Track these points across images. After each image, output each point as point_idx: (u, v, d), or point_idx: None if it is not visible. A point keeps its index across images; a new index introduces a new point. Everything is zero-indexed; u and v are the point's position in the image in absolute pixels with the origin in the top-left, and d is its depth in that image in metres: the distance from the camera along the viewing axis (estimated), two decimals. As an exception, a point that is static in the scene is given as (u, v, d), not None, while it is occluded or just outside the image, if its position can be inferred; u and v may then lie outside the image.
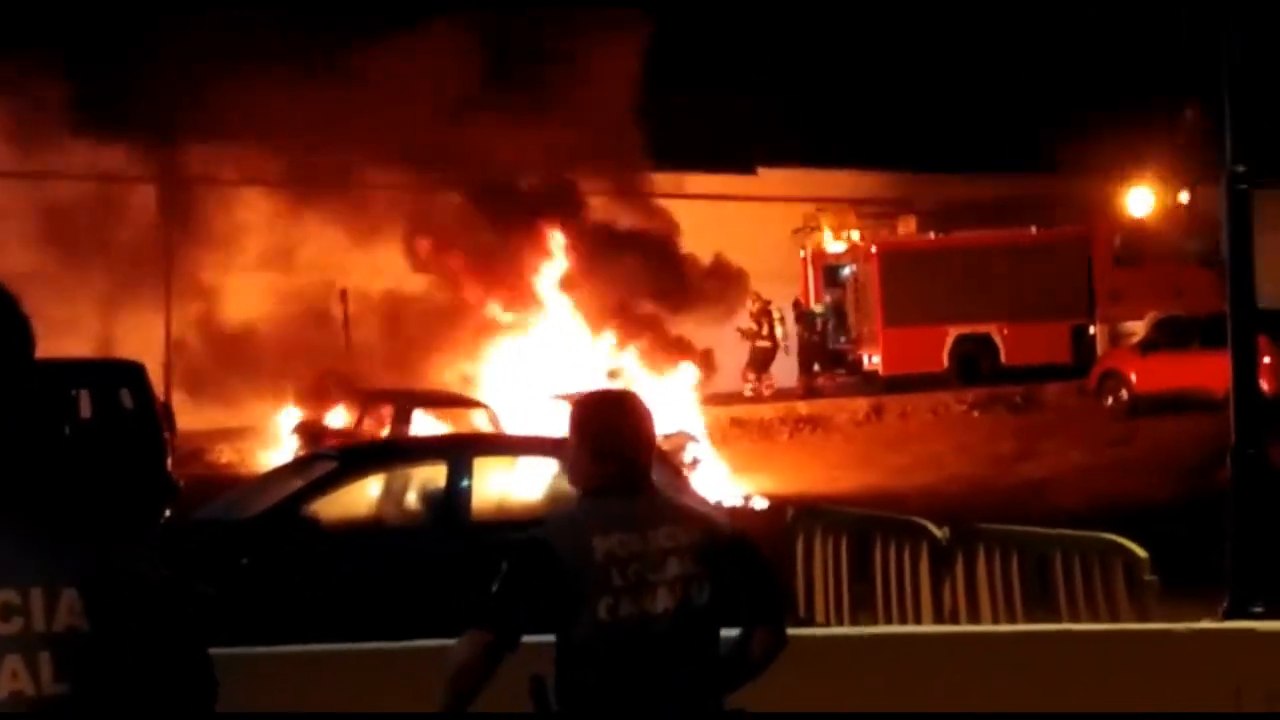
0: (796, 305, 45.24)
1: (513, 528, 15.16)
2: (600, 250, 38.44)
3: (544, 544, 5.32)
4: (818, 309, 45.33)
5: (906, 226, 44.79)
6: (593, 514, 5.45)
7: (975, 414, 40.40)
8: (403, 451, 18.75)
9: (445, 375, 36.91)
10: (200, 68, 34.92)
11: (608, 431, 5.49)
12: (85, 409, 23.59)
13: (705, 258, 40.11)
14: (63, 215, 36.87)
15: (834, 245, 45.37)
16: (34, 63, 36.74)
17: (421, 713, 5.63)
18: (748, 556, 5.54)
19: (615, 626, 5.21)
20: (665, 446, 22.26)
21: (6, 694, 2.44)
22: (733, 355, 41.88)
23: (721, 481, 29.62)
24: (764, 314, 43.55)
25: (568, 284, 38.75)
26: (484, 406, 31.20)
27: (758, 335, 43.45)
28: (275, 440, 35.24)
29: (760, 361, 43.45)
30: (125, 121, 36.72)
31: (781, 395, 42.85)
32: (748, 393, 42.82)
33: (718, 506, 22.02)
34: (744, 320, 43.19)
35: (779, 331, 43.83)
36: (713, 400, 39.10)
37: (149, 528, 17.28)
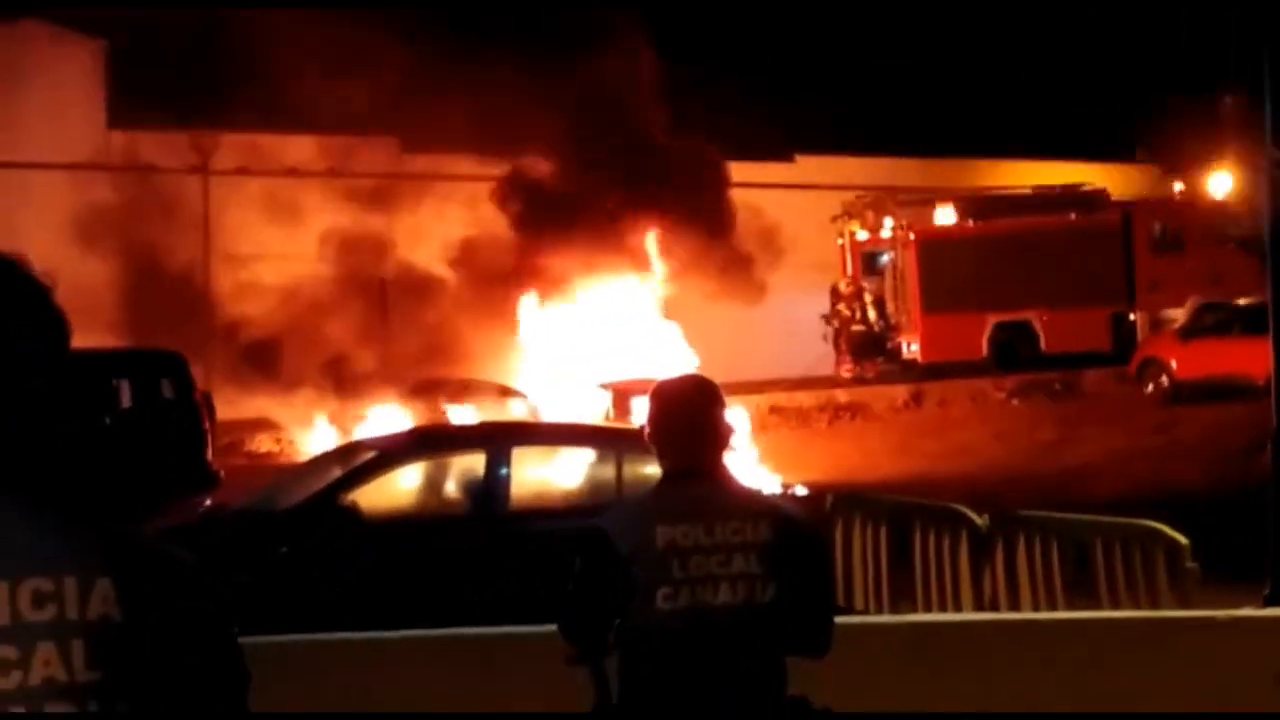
0: (834, 291, 45.15)
1: (551, 517, 15.29)
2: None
3: (600, 533, 5.30)
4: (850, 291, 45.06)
5: (945, 213, 44.63)
6: (660, 502, 5.41)
7: (1015, 401, 40.32)
8: (441, 441, 18.75)
9: (486, 365, 36.96)
10: (245, 57, 35.03)
11: (674, 418, 5.44)
12: (126, 399, 23.69)
13: (746, 244, 40.15)
14: (103, 205, 37.04)
15: (872, 233, 45.22)
16: (75, 50, 36.96)
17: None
18: (814, 562, 5.48)
19: (673, 617, 5.17)
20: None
21: (39, 680, 2.44)
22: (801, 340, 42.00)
23: (760, 469, 29.62)
24: (856, 297, 43.75)
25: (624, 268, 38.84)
26: (523, 395, 31.23)
27: (851, 320, 43.62)
28: (314, 430, 35.35)
29: (859, 345, 43.63)
30: (167, 111, 36.88)
31: (820, 383, 42.84)
32: (846, 374, 43.10)
33: (790, 497, 21.95)
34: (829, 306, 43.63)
35: (871, 314, 43.97)
36: (797, 385, 39.37)
37: (186, 516, 17.31)
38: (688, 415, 5.44)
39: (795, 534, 5.34)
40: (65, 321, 2.67)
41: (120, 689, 2.47)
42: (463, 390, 31.70)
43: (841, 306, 44.39)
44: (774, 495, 5.82)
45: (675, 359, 36.39)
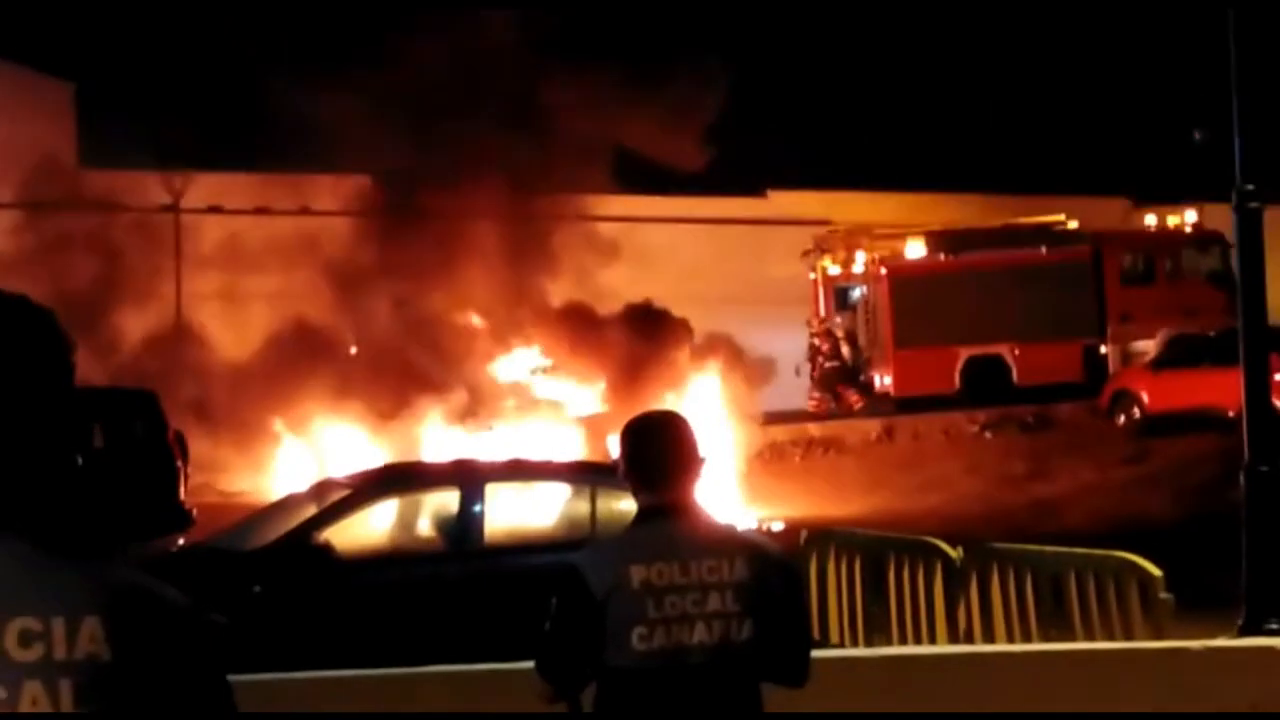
0: (809, 325, 45.20)
1: (526, 553, 15.28)
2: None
3: (575, 573, 5.26)
4: (834, 328, 45.11)
5: (916, 247, 44.70)
6: (635, 541, 5.39)
7: (987, 434, 40.35)
8: (415, 477, 18.73)
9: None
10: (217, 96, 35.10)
11: (646, 455, 5.42)
12: (98, 439, 23.60)
13: (716, 280, 40.16)
14: (75, 244, 36.98)
15: (843, 267, 45.26)
16: (48, 92, 36.98)
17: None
18: (791, 597, 5.45)
19: (649, 656, 5.15)
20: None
21: None
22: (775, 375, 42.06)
23: (735, 505, 29.62)
24: (827, 334, 43.85)
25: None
26: (495, 431, 31.20)
27: (827, 356, 43.72)
28: (289, 468, 35.26)
29: (831, 381, 43.74)
30: (137, 151, 36.89)
31: (794, 417, 42.86)
32: (811, 408, 43.19)
33: (766, 532, 21.95)
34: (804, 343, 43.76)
35: (843, 350, 44.08)
36: (778, 419, 39.43)
37: (160, 555, 17.26)
38: (660, 450, 5.40)
39: (771, 571, 5.31)
40: (69, 359, 2.67)
41: None
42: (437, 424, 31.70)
43: (816, 341, 44.46)
44: (749, 531, 5.79)
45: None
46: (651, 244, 41.79)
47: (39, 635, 2.46)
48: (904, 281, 43.53)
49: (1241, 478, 15.55)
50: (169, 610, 2.59)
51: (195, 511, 23.60)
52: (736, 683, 5.24)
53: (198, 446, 28.82)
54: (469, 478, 16.63)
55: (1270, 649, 10.38)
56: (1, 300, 2.66)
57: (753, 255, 43.86)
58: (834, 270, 45.43)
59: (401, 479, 18.42)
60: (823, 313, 45.32)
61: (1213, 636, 10.70)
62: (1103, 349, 43.48)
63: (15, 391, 2.59)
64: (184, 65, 36.99)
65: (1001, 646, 13.05)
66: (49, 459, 2.62)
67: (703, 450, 5.54)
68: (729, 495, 29.86)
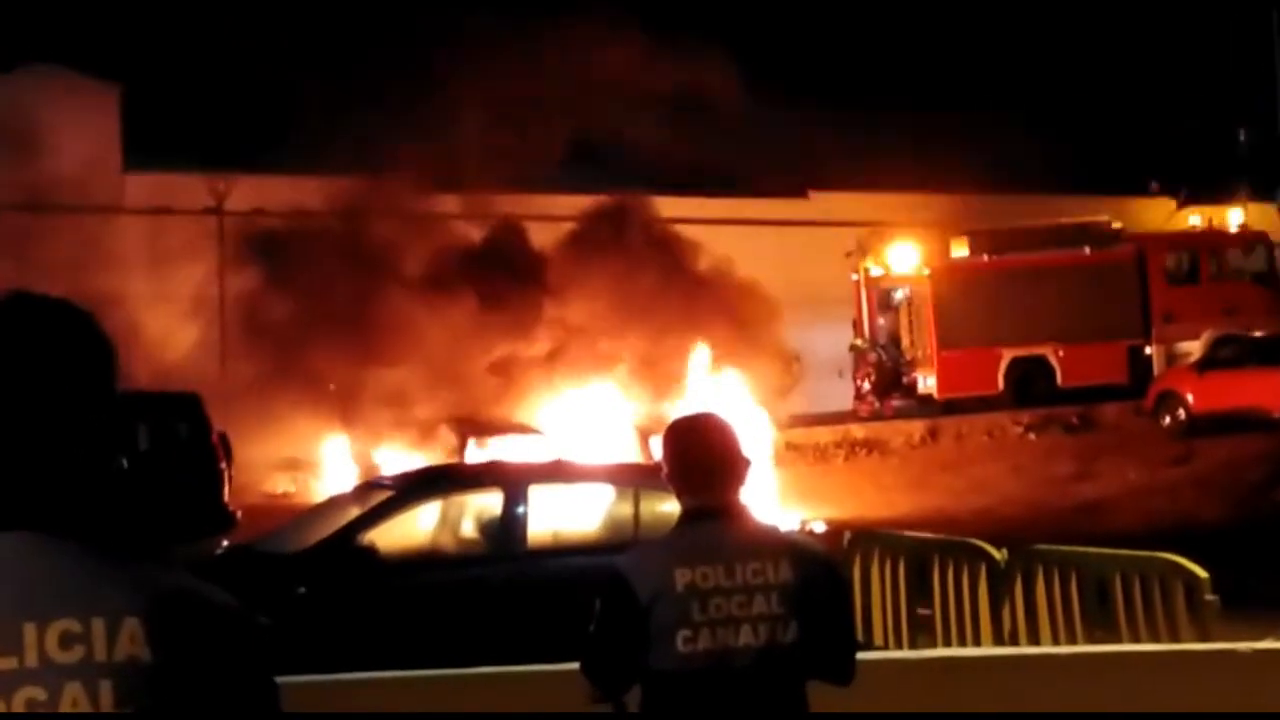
0: (856, 326, 45.24)
1: (569, 555, 15.28)
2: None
3: (619, 576, 5.25)
4: (861, 342, 45.17)
5: (959, 248, 44.60)
6: (678, 543, 5.37)
7: (1031, 435, 40.25)
8: (459, 479, 18.73)
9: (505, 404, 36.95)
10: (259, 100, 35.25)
11: (691, 456, 5.40)
12: (143, 441, 23.71)
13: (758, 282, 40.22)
14: (118, 244, 37.13)
15: (886, 268, 45.17)
16: (95, 94, 37.12)
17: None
18: (836, 597, 5.45)
19: (693, 659, 5.13)
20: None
21: None
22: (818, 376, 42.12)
23: (777, 505, 29.59)
24: (872, 337, 44.03)
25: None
26: (540, 433, 31.23)
27: (871, 359, 43.89)
28: (333, 470, 35.36)
29: (881, 383, 43.93)
30: (182, 154, 37.05)
31: (837, 418, 42.86)
32: (863, 413, 43.36)
33: (809, 533, 21.91)
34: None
35: (883, 354, 44.19)
36: (814, 421, 39.49)
37: (204, 557, 17.31)
38: (704, 452, 5.39)
39: (816, 572, 5.29)
40: (113, 360, 2.68)
41: None
42: (483, 429, 31.72)
43: (859, 342, 44.47)
44: (793, 532, 5.77)
45: (698, 397, 36.38)
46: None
47: (79, 637, 2.45)
48: (947, 282, 43.45)
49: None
50: (214, 612, 2.58)
51: (239, 513, 23.69)
52: (782, 685, 5.22)
53: (241, 448, 28.91)
54: (512, 480, 16.63)
55: (1318, 651, 10.31)
56: (43, 304, 2.66)
57: (795, 257, 43.79)
58: (877, 271, 45.36)
59: (444, 481, 18.43)
60: (866, 320, 45.24)
61: (1260, 638, 10.63)
62: (1147, 350, 43.35)
63: (57, 393, 2.59)
64: (229, 68, 37.13)
65: (1046, 648, 13.00)
66: (91, 461, 2.62)
67: (747, 453, 5.52)
68: (770, 496, 29.87)
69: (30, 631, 2.45)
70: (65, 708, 2.43)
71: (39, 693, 2.43)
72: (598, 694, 5.34)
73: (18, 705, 2.42)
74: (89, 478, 2.61)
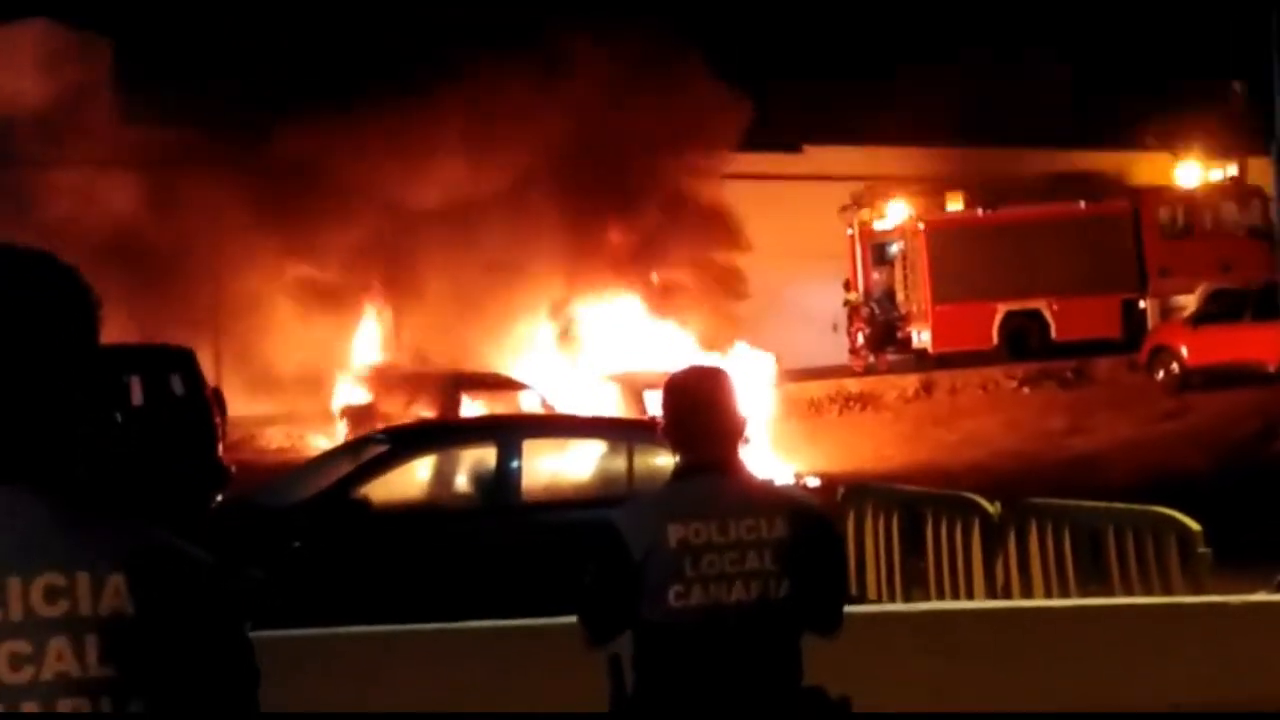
0: (847, 285, 45.24)
1: (563, 509, 15.30)
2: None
3: (612, 528, 5.25)
4: (855, 297, 45.24)
5: (954, 203, 44.56)
6: (673, 498, 5.38)
7: (1025, 390, 40.27)
8: (452, 433, 18.76)
9: (496, 357, 36.95)
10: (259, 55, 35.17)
11: (688, 411, 5.38)
12: (137, 395, 23.70)
13: (752, 236, 40.23)
14: (112, 202, 37.01)
15: (881, 222, 45.15)
16: (87, 47, 37.00)
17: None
18: (830, 553, 5.46)
19: (685, 614, 5.14)
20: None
21: (52, 675, 2.43)
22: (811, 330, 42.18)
23: (772, 459, 29.62)
24: (866, 292, 44.13)
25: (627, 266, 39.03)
26: (533, 388, 31.24)
27: (866, 322, 44.02)
28: (326, 424, 35.36)
29: (875, 337, 44.08)
30: (180, 109, 36.91)
31: (831, 373, 42.88)
32: (857, 368, 43.54)
33: (803, 488, 21.95)
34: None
35: (876, 308, 44.30)
36: (808, 375, 39.55)
37: (197, 512, 17.34)
38: (702, 407, 5.37)
39: (811, 528, 5.29)
40: (96, 313, 2.67)
41: (133, 685, 2.46)
42: (473, 383, 31.71)
43: (854, 297, 44.54)
44: (788, 487, 5.77)
45: (684, 350, 36.40)
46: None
47: (64, 591, 2.45)
48: (942, 236, 43.43)
49: (1281, 432, 15.50)
50: (192, 569, 2.58)
51: (233, 468, 23.68)
52: (774, 640, 5.24)
53: (238, 404, 28.93)
54: (506, 434, 16.65)
55: (1310, 604, 10.34)
56: (23, 255, 2.64)
57: (789, 211, 43.70)
58: (872, 226, 45.33)
59: (439, 435, 18.46)
60: (860, 274, 45.25)
61: (1252, 591, 10.67)
62: (1142, 304, 43.35)
63: (38, 346, 2.58)
64: (224, 21, 37.01)
65: (1040, 601, 13.04)
66: (73, 415, 2.61)
67: (745, 409, 5.51)
68: (764, 450, 29.90)
69: (14, 585, 2.45)
70: (50, 661, 2.43)
71: (23, 646, 2.43)
72: (591, 640, 5.36)
73: (2, 658, 2.42)
74: (71, 432, 2.61)
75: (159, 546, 2.57)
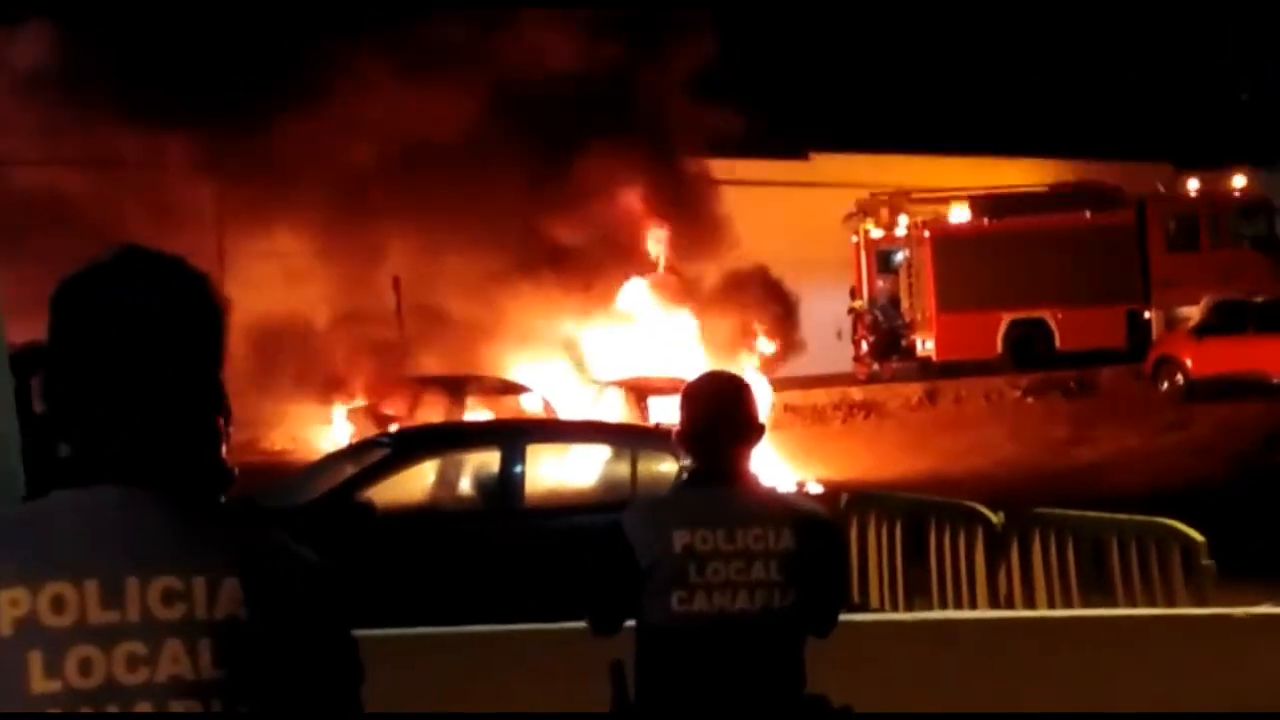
0: (853, 293, 45.27)
1: (566, 514, 15.29)
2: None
3: (617, 530, 5.27)
4: (858, 304, 45.26)
5: (959, 211, 44.56)
6: (680, 504, 5.39)
7: (1029, 399, 40.27)
8: (456, 437, 18.77)
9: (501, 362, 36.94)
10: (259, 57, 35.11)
11: (702, 418, 5.38)
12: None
13: (757, 243, 40.20)
14: (114, 205, 36.98)
15: (886, 231, 45.14)
16: (85, 51, 36.93)
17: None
18: (834, 562, 5.48)
19: (688, 619, 5.15)
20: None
21: (166, 677, 2.48)
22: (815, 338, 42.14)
23: (774, 467, 29.59)
24: (871, 300, 44.17)
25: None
26: (536, 393, 31.24)
27: (869, 320, 44.04)
28: (330, 427, 35.36)
29: (880, 345, 44.11)
30: (179, 111, 36.86)
31: (834, 380, 42.88)
32: (860, 375, 43.53)
33: (805, 495, 21.91)
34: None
35: (880, 317, 44.32)
36: (812, 383, 39.51)
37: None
38: (718, 414, 5.37)
39: (818, 540, 5.29)
40: (225, 320, 2.73)
41: (244, 688, 2.51)
42: (479, 387, 31.72)
43: (859, 304, 44.57)
44: (796, 497, 5.74)
45: (689, 356, 36.38)
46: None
47: (181, 594, 2.50)
48: (947, 245, 43.43)
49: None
50: (303, 569, 2.64)
51: (236, 470, 23.61)
52: (777, 648, 5.24)
53: (241, 406, 28.85)
54: (509, 438, 16.65)
55: (1313, 616, 10.32)
56: (160, 259, 2.70)
57: (795, 218, 43.72)
58: (876, 234, 45.33)
59: (442, 438, 18.46)
60: (865, 282, 45.26)
61: (1256, 603, 10.65)
62: (1146, 314, 43.35)
63: (172, 349, 2.65)
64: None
65: (1042, 612, 13.02)
66: (197, 419, 2.69)
67: (761, 418, 5.51)
68: (768, 457, 29.87)
69: (133, 586, 2.50)
70: (165, 663, 2.48)
71: (140, 647, 2.48)
72: (593, 630, 5.39)
73: (118, 658, 2.47)
74: (195, 435, 2.69)
75: (273, 549, 2.64)
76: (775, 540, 5.18)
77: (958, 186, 45.62)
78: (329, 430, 35.10)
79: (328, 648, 2.62)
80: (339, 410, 36.03)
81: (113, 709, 2.45)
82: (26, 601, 2.48)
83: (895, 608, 15.42)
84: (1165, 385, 37.88)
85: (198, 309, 2.69)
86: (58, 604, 2.47)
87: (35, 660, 2.45)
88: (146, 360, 2.61)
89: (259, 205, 37.83)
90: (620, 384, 34.48)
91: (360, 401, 35.77)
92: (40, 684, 2.45)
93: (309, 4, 36.80)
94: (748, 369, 35.47)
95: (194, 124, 37.18)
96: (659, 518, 5.30)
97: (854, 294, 45.14)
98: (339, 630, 2.65)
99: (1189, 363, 37.36)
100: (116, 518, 2.54)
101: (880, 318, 44.68)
